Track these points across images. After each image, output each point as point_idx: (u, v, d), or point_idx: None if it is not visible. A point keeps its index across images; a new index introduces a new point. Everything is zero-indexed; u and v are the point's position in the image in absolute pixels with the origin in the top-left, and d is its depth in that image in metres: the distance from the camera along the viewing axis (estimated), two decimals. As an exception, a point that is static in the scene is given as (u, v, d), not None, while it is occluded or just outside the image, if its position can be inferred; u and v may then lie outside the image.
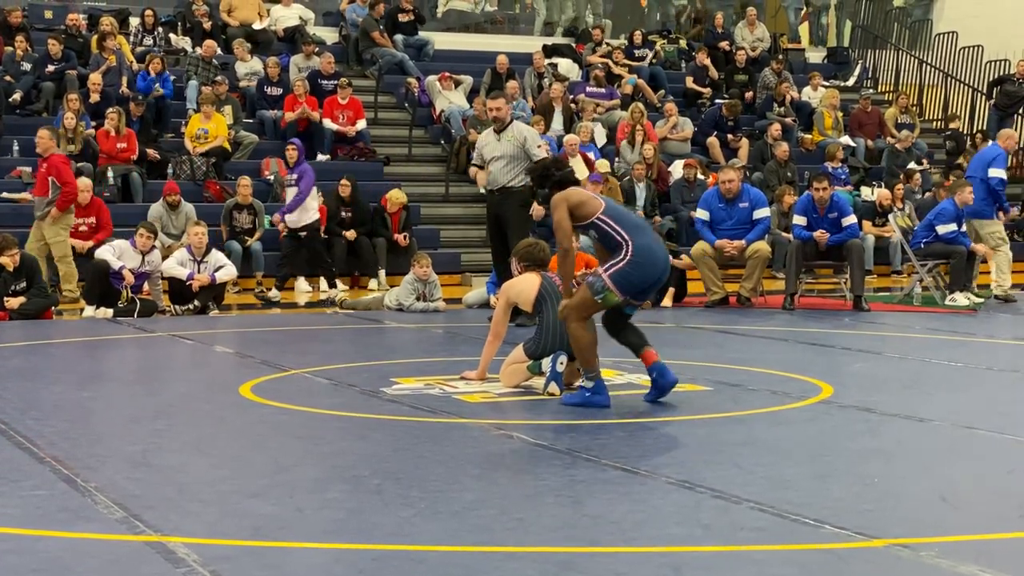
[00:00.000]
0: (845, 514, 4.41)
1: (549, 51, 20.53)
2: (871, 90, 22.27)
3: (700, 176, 17.14)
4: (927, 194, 17.28)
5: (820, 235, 12.36)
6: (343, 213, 15.31)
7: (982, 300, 13.04)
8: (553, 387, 7.10)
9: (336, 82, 17.69)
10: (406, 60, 19.29)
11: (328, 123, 17.32)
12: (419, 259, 12.49)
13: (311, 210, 14.91)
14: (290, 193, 15.03)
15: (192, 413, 6.81)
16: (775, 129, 18.35)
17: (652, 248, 6.77)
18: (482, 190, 11.59)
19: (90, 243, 13.33)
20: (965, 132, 21.15)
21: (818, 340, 10.02)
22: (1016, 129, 21.05)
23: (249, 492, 4.83)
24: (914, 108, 21.57)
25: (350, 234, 15.16)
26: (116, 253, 11.93)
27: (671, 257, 6.97)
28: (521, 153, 10.64)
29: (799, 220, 12.63)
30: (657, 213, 16.95)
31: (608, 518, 4.41)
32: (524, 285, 7.56)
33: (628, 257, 6.68)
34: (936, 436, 6.13)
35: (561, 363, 7.10)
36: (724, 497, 4.67)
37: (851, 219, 12.56)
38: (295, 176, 14.99)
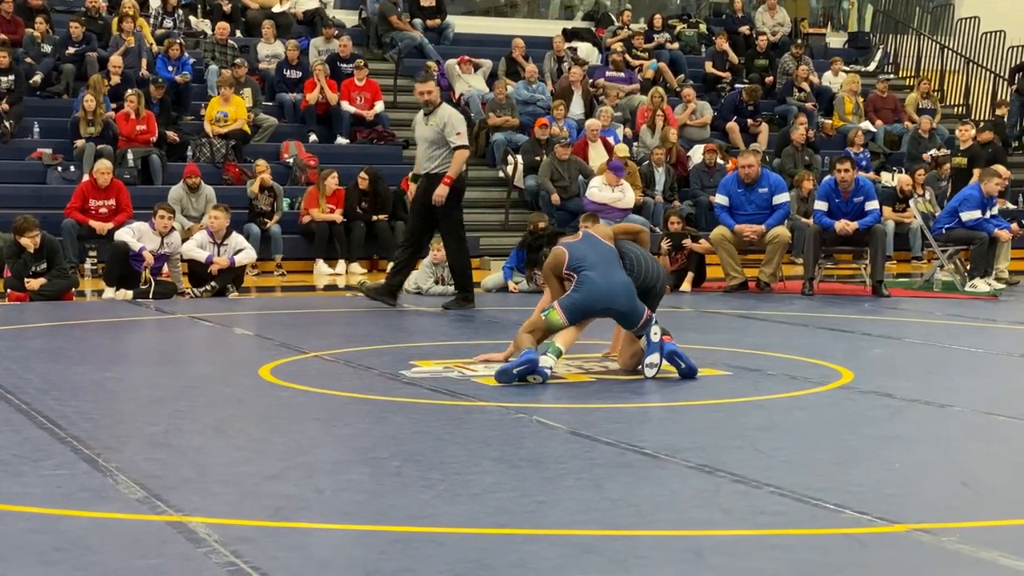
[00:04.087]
0: (866, 499, 4.40)
1: (569, 35, 20.48)
2: (892, 75, 22.15)
3: (720, 161, 17.10)
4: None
5: (843, 226, 12.27)
6: (362, 204, 15.27)
7: (1003, 286, 12.98)
8: (655, 358, 6.99)
9: (354, 65, 17.69)
10: (425, 43, 19.26)
11: (346, 105, 17.32)
12: (437, 243, 12.45)
13: None
14: None
15: (212, 395, 6.83)
16: (800, 121, 18.22)
17: (595, 280, 7.06)
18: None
19: (110, 225, 13.38)
20: (987, 119, 20.98)
21: (838, 325, 9.99)
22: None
23: (269, 473, 4.84)
24: (935, 94, 21.44)
25: (379, 217, 15.18)
26: (136, 235, 11.96)
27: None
28: (441, 138, 10.51)
29: (820, 205, 12.56)
30: (676, 198, 16.92)
31: (628, 501, 4.41)
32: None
33: (574, 285, 7.12)
34: (957, 422, 6.11)
35: (655, 333, 7.03)
36: (744, 481, 4.66)
37: (874, 204, 12.48)
38: None
